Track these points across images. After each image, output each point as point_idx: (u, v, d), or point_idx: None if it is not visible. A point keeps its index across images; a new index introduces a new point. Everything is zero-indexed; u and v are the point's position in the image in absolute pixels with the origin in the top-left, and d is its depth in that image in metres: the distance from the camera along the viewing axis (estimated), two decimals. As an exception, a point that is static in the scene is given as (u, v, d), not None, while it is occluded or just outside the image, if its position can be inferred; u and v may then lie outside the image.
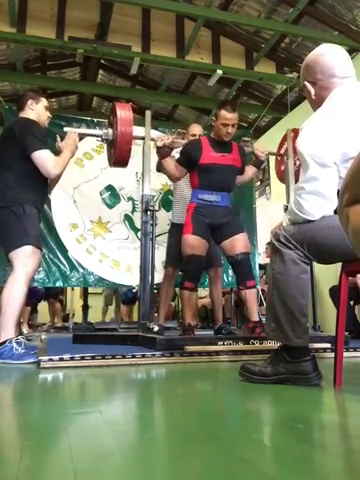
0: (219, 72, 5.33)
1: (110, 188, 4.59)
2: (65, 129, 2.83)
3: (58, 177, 2.65)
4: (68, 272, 4.34)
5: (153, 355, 2.25)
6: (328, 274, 4.23)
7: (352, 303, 4.13)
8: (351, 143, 1.48)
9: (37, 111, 2.60)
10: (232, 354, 2.37)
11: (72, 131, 2.70)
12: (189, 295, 2.90)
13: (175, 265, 3.40)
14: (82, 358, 2.10)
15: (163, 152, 3.02)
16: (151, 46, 5.25)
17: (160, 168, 3.25)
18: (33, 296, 6.45)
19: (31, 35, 4.82)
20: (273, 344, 2.37)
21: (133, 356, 2.19)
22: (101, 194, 4.58)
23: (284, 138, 4.01)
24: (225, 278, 4.76)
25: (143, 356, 2.22)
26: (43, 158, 2.43)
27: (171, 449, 0.90)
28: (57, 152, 2.59)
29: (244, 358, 2.24)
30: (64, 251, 4.36)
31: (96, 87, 6.78)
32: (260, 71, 5.65)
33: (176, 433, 1.02)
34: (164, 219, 4.34)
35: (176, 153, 3.20)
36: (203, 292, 6.32)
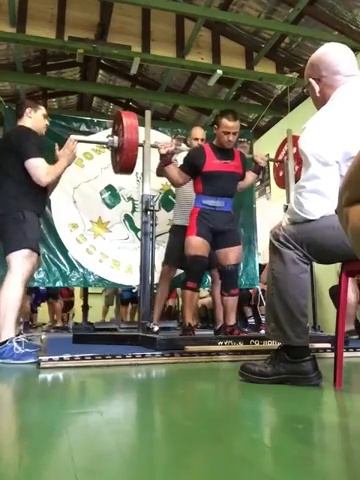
0: (219, 72, 5.33)
1: (110, 188, 4.58)
2: (72, 137, 2.80)
3: (56, 181, 2.68)
4: (68, 272, 4.34)
5: (153, 355, 2.25)
6: (328, 274, 4.23)
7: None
8: (353, 142, 1.48)
9: (35, 119, 2.64)
10: (232, 354, 2.37)
11: (71, 140, 2.70)
12: (191, 295, 2.94)
13: (172, 264, 3.44)
14: (82, 358, 2.10)
15: (166, 159, 3.07)
16: (151, 46, 5.25)
17: (161, 173, 3.28)
18: (38, 297, 6.47)
19: (31, 35, 4.82)
20: (273, 344, 2.38)
21: (133, 356, 2.19)
22: (101, 194, 4.58)
23: (283, 144, 4.04)
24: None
25: (143, 356, 2.22)
26: (36, 166, 2.47)
27: (171, 449, 0.90)
28: (56, 159, 2.64)
29: (244, 358, 2.24)
30: (64, 251, 4.35)
31: (96, 87, 6.78)
32: (260, 71, 5.64)
33: (176, 433, 1.02)
34: (164, 219, 4.34)
35: (175, 157, 3.23)
36: (203, 292, 6.32)
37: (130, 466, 0.80)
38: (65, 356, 2.09)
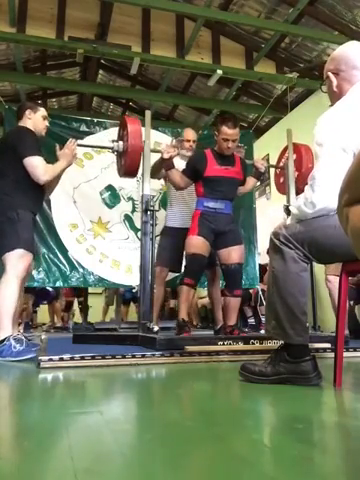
0: (219, 72, 5.32)
1: (110, 188, 4.58)
2: (79, 142, 2.96)
3: (56, 182, 2.73)
4: (68, 272, 4.34)
5: (153, 355, 2.25)
6: (328, 274, 4.22)
7: (352, 303, 4.13)
8: None
9: (34, 120, 2.68)
10: (232, 354, 2.37)
11: (71, 141, 2.77)
12: (187, 290, 2.98)
13: (163, 265, 3.45)
14: (82, 358, 2.10)
15: (169, 164, 3.13)
16: (151, 46, 5.24)
17: (155, 175, 3.36)
18: (44, 297, 6.47)
19: (31, 35, 4.82)
20: (273, 344, 2.38)
21: (133, 356, 2.19)
22: (101, 194, 4.58)
23: (284, 151, 4.07)
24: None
25: (143, 356, 2.22)
26: (34, 164, 2.51)
27: (171, 449, 0.90)
28: (57, 160, 2.69)
29: (244, 358, 2.24)
30: (64, 251, 4.35)
31: (96, 87, 6.78)
32: (260, 71, 5.64)
33: (176, 433, 1.02)
34: (164, 219, 4.34)
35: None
36: (203, 292, 6.32)
37: (130, 466, 0.80)
38: (65, 356, 2.09)
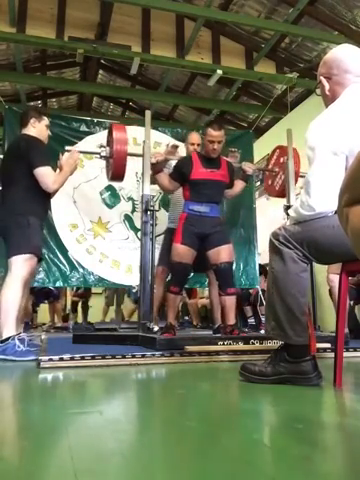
0: (219, 72, 5.33)
1: (110, 188, 4.58)
2: (67, 148, 3.12)
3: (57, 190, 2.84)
4: (68, 272, 4.34)
5: (153, 355, 2.25)
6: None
7: (352, 303, 4.13)
8: (358, 141, 1.48)
9: (39, 129, 2.77)
10: (232, 354, 2.37)
11: (74, 151, 2.92)
12: (174, 297, 3.10)
13: (165, 265, 3.49)
14: (82, 358, 2.10)
15: (157, 168, 3.24)
16: (151, 46, 5.25)
17: (154, 181, 3.41)
18: (46, 296, 6.47)
19: (31, 35, 4.82)
20: (273, 344, 2.38)
21: (133, 356, 2.19)
22: (101, 194, 4.58)
23: (272, 154, 4.09)
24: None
25: (143, 356, 2.22)
26: (44, 174, 2.62)
27: (171, 449, 0.90)
28: (59, 167, 2.81)
29: (244, 358, 2.24)
30: (64, 251, 4.35)
31: (96, 87, 6.78)
32: (260, 71, 5.65)
33: (176, 433, 1.02)
34: (164, 219, 4.34)
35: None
36: (204, 292, 6.32)
37: (130, 466, 0.80)
38: (65, 356, 2.09)
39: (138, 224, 4.13)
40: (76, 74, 6.96)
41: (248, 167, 3.50)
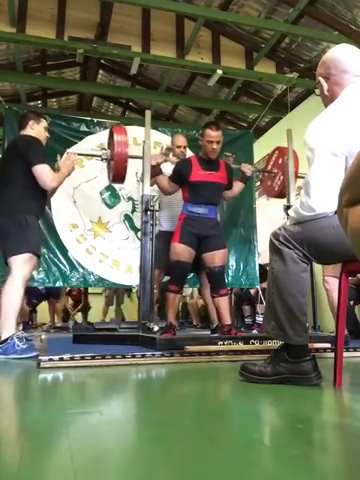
0: (219, 72, 5.32)
1: (110, 188, 4.58)
2: (68, 151, 3.13)
3: (55, 189, 2.86)
4: (68, 272, 4.34)
5: (153, 355, 2.25)
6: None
7: (352, 303, 4.13)
8: (357, 142, 1.48)
9: (37, 131, 2.82)
10: (232, 354, 2.37)
11: (72, 153, 2.95)
12: (173, 297, 3.13)
13: (161, 268, 3.51)
14: (82, 358, 2.10)
15: (157, 170, 3.28)
16: (151, 46, 5.24)
17: (153, 183, 3.44)
18: (35, 297, 6.48)
19: (31, 35, 4.82)
20: (273, 344, 2.38)
21: (133, 356, 2.19)
22: (101, 194, 4.58)
23: (271, 155, 4.09)
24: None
25: (143, 356, 2.22)
26: (43, 172, 2.65)
27: (171, 449, 0.90)
28: (57, 168, 2.84)
29: (244, 358, 2.24)
30: (64, 251, 4.36)
31: (96, 87, 6.78)
32: (260, 71, 5.64)
33: (176, 433, 1.02)
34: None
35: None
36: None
37: (130, 466, 0.80)
38: (65, 356, 2.09)
39: (138, 224, 4.13)
40: (76, 74, 6.96)
41: (247, 168, 3.53)
